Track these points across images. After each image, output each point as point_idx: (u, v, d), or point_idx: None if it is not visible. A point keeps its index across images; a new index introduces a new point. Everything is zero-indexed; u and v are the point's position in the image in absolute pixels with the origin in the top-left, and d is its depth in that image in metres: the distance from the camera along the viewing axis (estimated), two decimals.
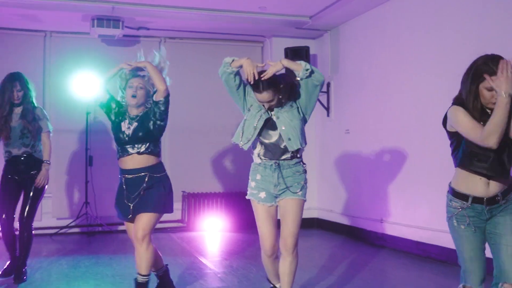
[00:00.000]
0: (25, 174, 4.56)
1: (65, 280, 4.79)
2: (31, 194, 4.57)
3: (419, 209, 5.68)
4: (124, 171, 3.68)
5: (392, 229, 6.11)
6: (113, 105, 3.73)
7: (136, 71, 3.71)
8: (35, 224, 6.50)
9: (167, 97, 3.69)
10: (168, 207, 3.79)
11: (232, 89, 3.25)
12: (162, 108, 3.71)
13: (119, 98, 3.79)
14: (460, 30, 5.14)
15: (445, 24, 5.38)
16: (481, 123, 2.40)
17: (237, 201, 7.74)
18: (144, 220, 3.58)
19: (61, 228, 7.23)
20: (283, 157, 3.24)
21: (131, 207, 3.63)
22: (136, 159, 3.64)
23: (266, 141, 3.24)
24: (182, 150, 7.79)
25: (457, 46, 5.05)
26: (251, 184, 3.35)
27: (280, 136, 3.19)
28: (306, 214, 7.42)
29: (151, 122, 3.69)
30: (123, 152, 3.66)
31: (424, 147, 5.58)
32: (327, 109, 7.55)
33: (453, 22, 5.18)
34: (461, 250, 2.63)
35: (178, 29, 7.53)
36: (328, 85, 7.48)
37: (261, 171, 3.26)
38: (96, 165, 7.38)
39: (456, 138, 2.53)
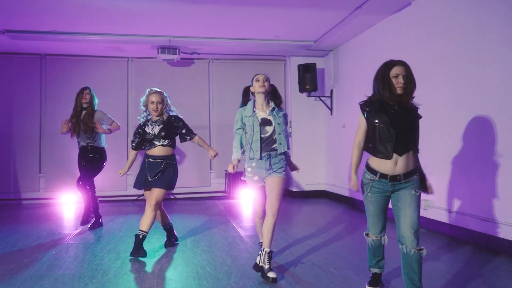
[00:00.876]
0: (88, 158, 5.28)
1: (132, 229, 5.19)
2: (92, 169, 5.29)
3: None
4: (148, 156, 4.17)
5: None
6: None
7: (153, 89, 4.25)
8: (122, 192, 7.71)
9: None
10: (172, 187, 4.24)
11: None
12: (188, 138, 4.32)
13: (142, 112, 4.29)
14: (437, 51, 5.06)
15: (417, 46, 5.38)
16: (391, 103, 2.75)
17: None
18: (157, 192, 4.07)
19: (139, 196, 7.72)
20: (273, 146, 3.54)
21: (151, 182, 4.11)
22: (158, 149, 4.15)
23: (263, 135, 3.55)
24: (226, 142, 8.11)
25: (433, 66, 5.05)
26: (248, 169, 3.62)
27: (274, 129, 3.54)
28: (316, 187, 8.35)
29: (175, 129, 4.26)
30: (150, 146, 4.15)
31: None
32: (331, 109, 7.96)
33: (431, 45, 5.10)
34: (367, 209, 2.93)
35: (221, 52, 8.16)
36: (331, 91, 7.94)
37: (256, 160, 3.55)
38: None
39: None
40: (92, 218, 5.43)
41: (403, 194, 2.75)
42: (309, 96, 8.02)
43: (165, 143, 4.18)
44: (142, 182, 4.18)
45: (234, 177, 8.18)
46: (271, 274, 3.23)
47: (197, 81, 8.58)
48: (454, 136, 4.69)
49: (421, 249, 2.65)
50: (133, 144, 4.30)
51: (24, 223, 5.91)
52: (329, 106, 8.10)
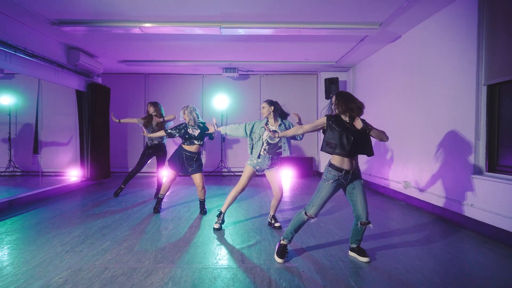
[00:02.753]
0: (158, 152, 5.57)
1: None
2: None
3: (396, 167, 6.19)
4: (186, 150, 4.47)
5: (373, 179, 6.71)
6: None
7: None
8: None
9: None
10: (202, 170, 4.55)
11: (243, 137, 3.94)
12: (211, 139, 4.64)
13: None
14: (418, 77, 5.46)
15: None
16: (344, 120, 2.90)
17: (299, 162, 8.78)
18: (200, 177, 4.53)
19: (209, 172, 8.94)
20: (278, 150, 3.80)
21: (189, 170, 4.48)
22: (195, 147, 4.48)
23: (271, 141, 3.78)
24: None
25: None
26: (253, 161, 3.83)
27: (280, 139, 3.76)
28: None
29: (205, 134, 4.53)
30: (190, 143, 4.46)
31: (397, 135, 5.77)
32: None
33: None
34: (320, 195, 2.96)
35: (269, 70, 8.78)
36: None
37: (262, 159, 3.80)
38: (227, 142, 9.16)
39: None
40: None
41: (356, 184, 2.98)
42: None
43: (200, 143, 4.54)
44: (180, 168, 4.50)
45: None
46: (277, 224, 4.05)
47: (251, 90, 9.32)
48: (421, 137, 5.10)
49: (368, 223, 2.99)
50: (170, 132, 4.52)
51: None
52: None
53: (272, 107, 3.86)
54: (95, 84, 7.39)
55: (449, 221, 4.43)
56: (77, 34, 5.81)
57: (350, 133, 2.90)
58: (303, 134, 3.53)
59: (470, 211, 4.06)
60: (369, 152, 2.98)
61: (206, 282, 2.66)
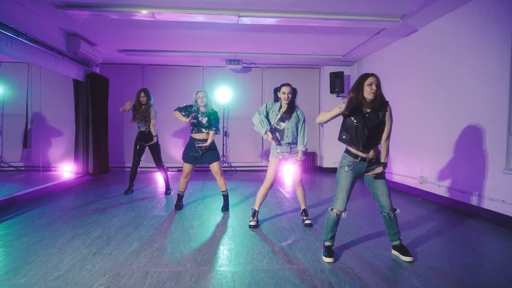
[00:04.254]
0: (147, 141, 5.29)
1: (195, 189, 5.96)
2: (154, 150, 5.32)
3: (410, 162, 6.14)
4: (195, 139, 4.27)
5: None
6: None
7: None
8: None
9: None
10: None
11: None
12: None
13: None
14: (434, 66, 5.40)
15: (419, 62, 5.67)
16: (364, 110, 2.72)
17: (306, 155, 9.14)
18: (218, 165, 4.34)
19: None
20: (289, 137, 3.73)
21: (202, 158, 4.29)
22: (203, 135, 4.29)
23: (279, 127, 3.76)
24: None
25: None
26: (274, 153, 3.78)
27: (287, 127, 3.73)
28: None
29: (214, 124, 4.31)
30: (198, 130, 4.28)
31: (411, 131, 5.91)
32: None
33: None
34: (342, 184, 2.83)
35: (272, 63, 8.62)
36: None
37: (280, 147, 3.75)
38: (230, 136, 8.92)
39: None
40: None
41: (376, 180, 2.86)
42: (337, 96, 8.45)
43: (207, 132, 4.33)
44: (194, 159, 4.29)
45: None
46: (308, 221, 3.89)
47: (253, 83, 9.09)
48: (444, 133, 5.04)
49: (395, 209, 2.88)
50: (177, 108, 4.30)
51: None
52: None
53: (293, 95, 3.79)
54: (94, 74, 6.97)
55: (474, 217, 4.37)
56: (80, 19, 5.40)
57: (366, 127, 2.76)
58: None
59: (501, 207, 4.00)
60: (384, 140, 2.89)
61: (267, 287, 2.43)
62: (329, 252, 2.91)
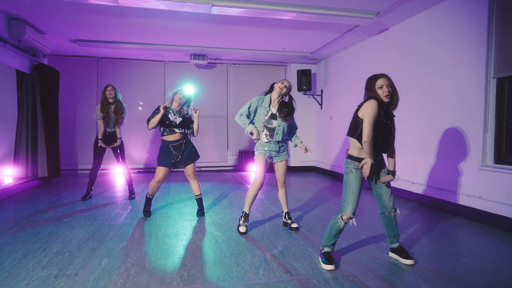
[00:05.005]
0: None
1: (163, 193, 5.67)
2: (119, 151, 4.88)
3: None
4: (170, 142, 3.88)
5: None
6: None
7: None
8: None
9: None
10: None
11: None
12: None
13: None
14: (406, 66, 5.34)
15: (390, 61, 5.64)
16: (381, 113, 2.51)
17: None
18: (192, 167, 4.03)
19: (171, 170, 8.51)
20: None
21: (179, 160, 3.90)
22: (176, 135, 3.90)
23: (270, 126, 3.46)
24: (240, 128, 8.44)
25: (402, 77, 5.09)
26: (261, 150, 3.48)
27: (278, 124, 3.43)
28: (307, 163, 8.83)
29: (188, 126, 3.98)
30: (170, 131, 3.88)
31: None
32: (321, 104, 8.24)
33: (401, 60, 5.39)
34: (349, 188, 2.60)
35: (238, 59, 8.24)
36: (322, 91, 8.20)
37: (268, 145, 3.46)
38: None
39: (360, 122, 2.55)
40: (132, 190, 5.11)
41: (381, 175, 2.72)
42: (304, 94, 8.33)
43: (181, 131, 3.97)
44: (170, 162, 3.94)
45: (245, 154, 8.49)
46: (294, 225, 3.61)
47: (218, 80, 8.70)
48: (418, 131, 5.05)
49: (396, 209, 2.76)
50: (149, 119, 3.89)
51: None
52: (320, 102, 8.39)
53: (287, 95, 3.58)
54: (43, 65, 6.16)
55: (451, 213, 4.39)
56: (26, 1, 4.66)
57: (381, 137, 2.59)
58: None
59: (478, 203, 4.04)
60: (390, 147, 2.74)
61: None
62: (329, 259, 2.67)
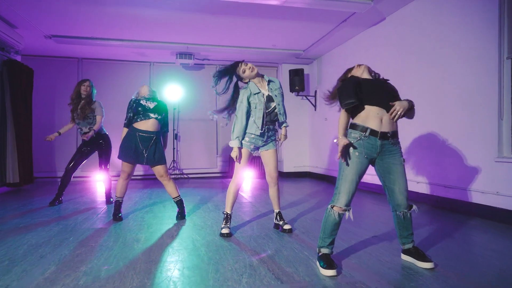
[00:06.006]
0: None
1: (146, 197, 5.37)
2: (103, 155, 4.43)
3: None
4: (139, 130, 3.43)
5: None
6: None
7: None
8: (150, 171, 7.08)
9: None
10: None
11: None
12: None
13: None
14: (406, 58, 5.02)
15: (390, 54, 5.32)
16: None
17: (259, 160, 7.81)
18: (163, 168, 3.52)
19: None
20: (274, 118, 3.13)
21: (145, 156, 3.44)
22: (151, 122, 3.46)
23: (268, 110, 3.08)
24: (228, 131, 7.89)
25: (404, 70, 4.90)
26: (246, 139, 3.06)
27: (276, 104, 3.10)
28: (302, 169, 8.35)
29: (163, 112, 3.58)
30: (144, 116, 3.45)
31: None
32: (315, 106, 7.88)
33: (401, 53, 5.06)
34: (347, 173, 2.19)
35: (226, 59, 7.79)
36: (315, 92, 7.85)
37: (255, 133, 3.06)
38: (181, 139, 7.96)
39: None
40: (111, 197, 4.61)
41: (393, 165, 2.24)
42: (297, 95, 7.92)
43: (157, 117, 3.51)
44: (133, 156, 3.45)
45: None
46: (287, 226, 3.14)
47: (206, 82, 8.16)
48: (422, 127, 4.64)
49: (411, 206, 2.30)
50: (127, 118, 3.50)
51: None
52: (313, 103, 8.01)
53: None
54: (13, 61, 5.66)
55: (464, 213, 3.92)
56: None
57: (377, 82, 2.34)
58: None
59: (495, 200, 3.56)
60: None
61: None
62: (328, 262, 2.16)
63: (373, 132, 2.19)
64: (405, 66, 4.89)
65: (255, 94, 3.07)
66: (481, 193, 3.71)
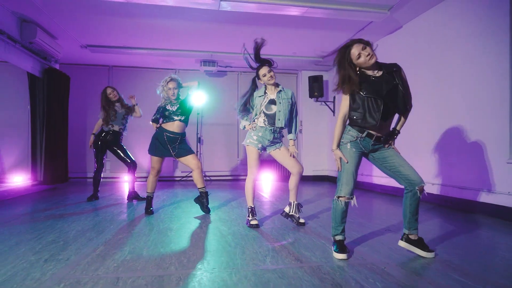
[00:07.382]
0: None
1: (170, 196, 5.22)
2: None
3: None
4: (166, 131, 3.78)
5: (369, 179, 6.46)
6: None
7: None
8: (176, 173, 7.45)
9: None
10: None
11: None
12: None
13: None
14: (422, 64, 5.50)
15: (406, 61, 5.97)
16: (371, 75, 2.32)
17: (278, 165, 8.47)
18: (194, 157, 3.82)
19: (183, 177, 8.08)
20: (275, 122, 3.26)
21: (173, 153, 3.79)
22: (176, 124, 3.80)
23: (269, 112, 3.26)
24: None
25: (419, 76, 5.30)
26: (253, 137, 3.27)
27: (278, 110, 3.25)
28: (320, 172, 8.60)
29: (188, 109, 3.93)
30: (169, 119, 3.79)
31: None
32: (333, 111, 8.10)
33: (416, 59, 4.91)
34: (347, 167, 2.37)
35: (248, 66, 8.60)
36: (334, 98, 8.06)
37: (263, 131, 3.26)
38: (204, 143, 8.34)
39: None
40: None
41: (387, 153, 2.41)
42: (316, 101, 8.19)
43: (181, 119, 3.85)
44: (163, 151, 3.80)
45: None
46: (302, 220, 3.39)
47: (228, 88, 8.66)
48: (436, 128, 4.81)
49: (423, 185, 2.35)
50: (153, 118, 3.91)
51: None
52: (332, 109, 8.23)
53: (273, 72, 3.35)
54: (53, 69, 6.20)
55: (478, 213, 4.07)
56: (37, 2, 4.72)
57: (379, 96, 2.29)
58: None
59: (508, 200, 3.71)
60: (403, 108, 2.37)
61: (279, 286, 1.87)
62: (341, 247, 2.40)
63: (369, 135, 2.38)
64: (420, 70, 5.09)
65: (259, 96, 3.34)
66: (493, 193, 3.87)
